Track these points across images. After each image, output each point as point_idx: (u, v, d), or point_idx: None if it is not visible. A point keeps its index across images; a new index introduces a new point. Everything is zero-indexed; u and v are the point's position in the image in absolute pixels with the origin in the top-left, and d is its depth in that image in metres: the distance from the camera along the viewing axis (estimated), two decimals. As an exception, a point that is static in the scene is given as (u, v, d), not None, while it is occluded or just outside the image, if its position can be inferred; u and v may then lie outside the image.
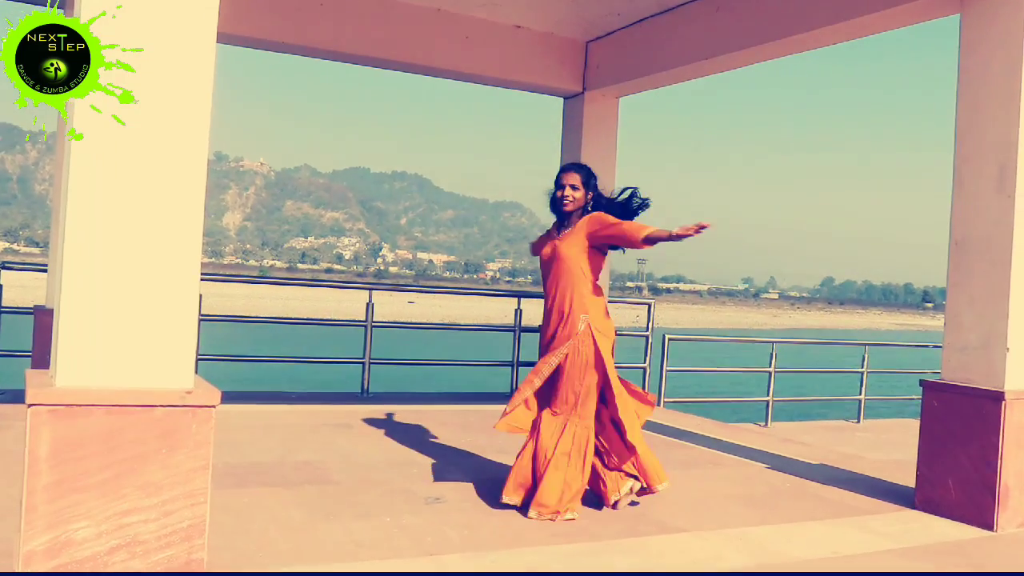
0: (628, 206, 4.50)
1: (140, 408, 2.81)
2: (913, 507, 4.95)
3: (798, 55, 6.60)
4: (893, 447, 8.26)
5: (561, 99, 8.50)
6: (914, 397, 5.53)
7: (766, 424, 9.51)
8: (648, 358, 9.17)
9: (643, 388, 9.10)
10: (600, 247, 4.43)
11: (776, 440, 7.48)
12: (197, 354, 7.32)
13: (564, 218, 4.52)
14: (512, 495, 4.35)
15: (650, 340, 9.19)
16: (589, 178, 4.51)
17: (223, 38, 6.78)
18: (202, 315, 7.41)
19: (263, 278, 8.81)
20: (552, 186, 4.56)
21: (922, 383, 5.05)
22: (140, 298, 2.85)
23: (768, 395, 9.61)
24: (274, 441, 5.71)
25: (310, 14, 7.05)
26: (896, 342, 12.43)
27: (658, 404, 8.89)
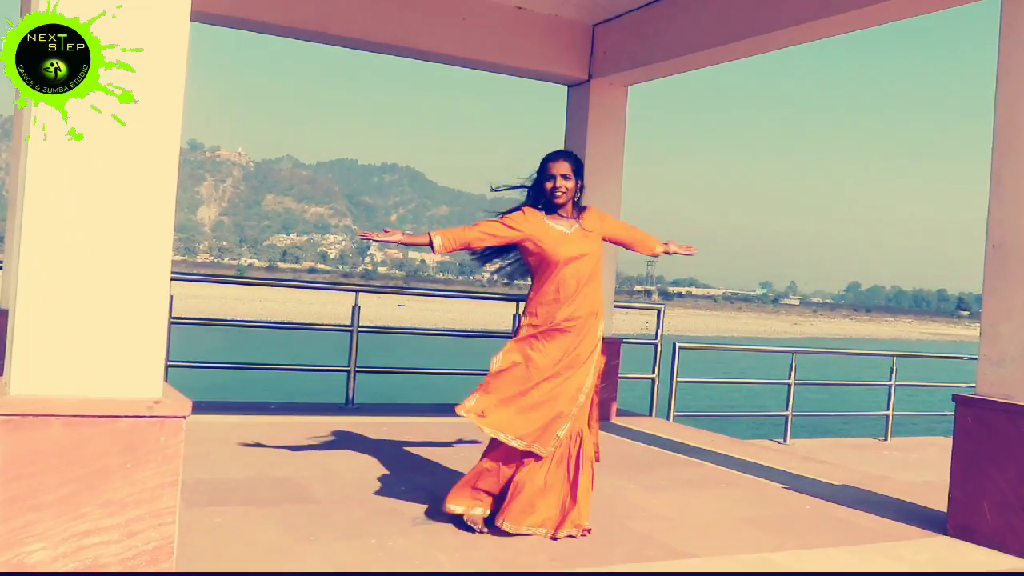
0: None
1: (103, 419, 2.79)
2: (945, 533, 4.93)
3: (822, 41, 6.60)
4: (923, 467, 8.26)
5: (565, 87, 8.49)
6: (946, 413, 5.51)
7: (784, 441, 9.51)
8: (657, 368, 9.16)
9: (652, 401, 9.12)
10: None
11: (795, 458, 7.47)
12: (167, 361, 7.33)
13: (552, 210, 4.50)
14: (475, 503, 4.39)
15: (659, 348, 9.19)
16: (579, 166, 4.53)
17: (199, 16, 6.77)
18: (173, 318, 7.40)
19: (240, 278, 8.80)
20: (533, 174, 4.55)
21: (955, 398, 5.04)
22: (104, 299, 2.84)
23: (787, 409, 9.61)
24: (250, 456, 5.69)
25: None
26: (927, 353, 12.44)
27: (667, 417, 8.91)
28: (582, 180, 4.53)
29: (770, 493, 5.77)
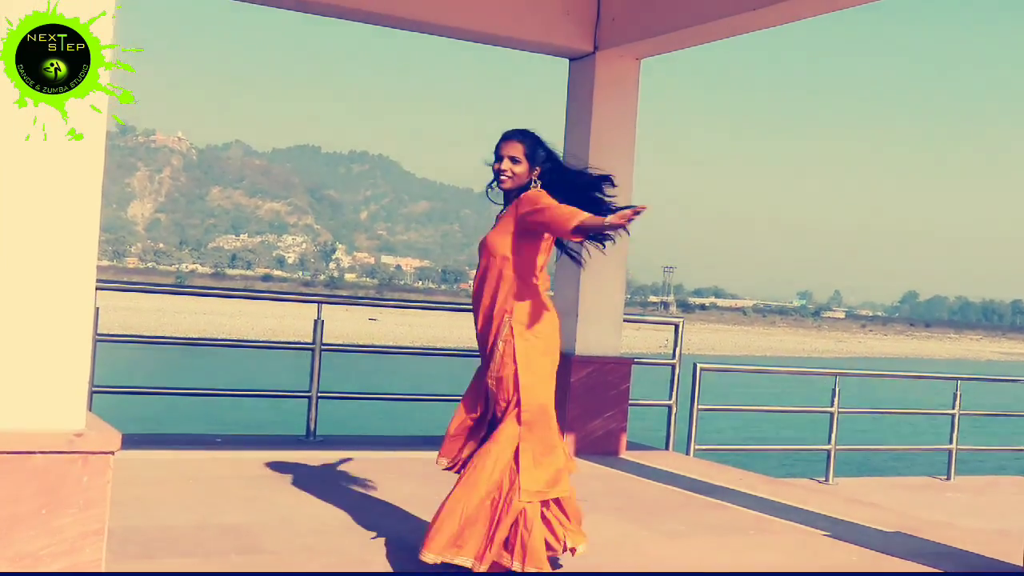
0: (587, 189, 4.56)
1: (11, 456, 2.79)
2: (1018, 589, 4.95)
3: (873, 5, 6.61)
4: (994, 512, 8.27)
5: (566, 60, 8.52)
6: (1022, 448, 5.51)
7: (827, 480, 9.53)
8: (675, 393, 9.16)
9: (669, 433, 9.12)
10: (536, 235, 4.47)
11: (840, 500, 7.47)
12: (91, 386, 7.32)
13: (505, 198, 4.60)
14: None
15: (677, 370, 9.20)
16: (535, 148, 4.52)
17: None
18: (98, 334, 7.39)
19: (179, 287, 8.81)
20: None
21: (1029, 429, 5.06)
22: (10, 311, 2.83)
23: (829, 443, 9.62)
24: (192, 498, 5.68)
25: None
26: (998, 376, 12.48)
27: (687, 452, 8.92)
28: (544, 164, 4.53)
29: (809, 542, 5.77)
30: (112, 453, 2.91)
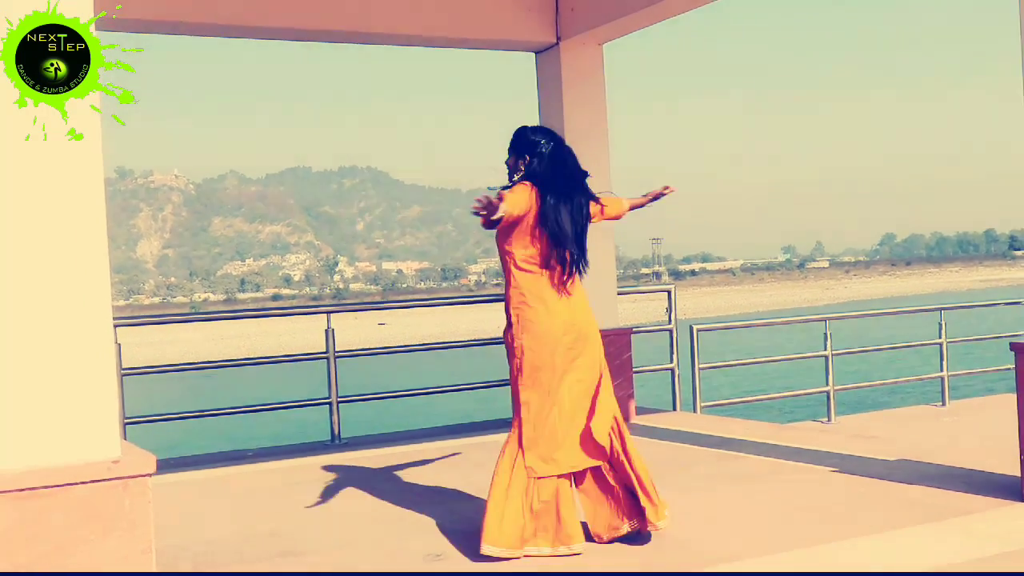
0: (573, 176, 4.64)
1: (57, 489, 2.80)
2: (1021, 499, 4.97)
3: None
4: (989, 430, 8.28)
5: (532, 54, 8.51)
6: (1008, 368, 5.51)
7: (829, 420, 9.54)
8: (675, 356, 9.18)
9: (675, 394, 9.14)
10: (516, 225, 4.52)
11: (843, 437, 7.51)
12: (123, 418, 7.34)
13: None
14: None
15: (675, 334, 9.20)
16: (519, 143, 4.65)
17: (105, 23, 6.77)
18: (123, 369, 7.40)
19: (191, 315, 8.81)
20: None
21: (1013, 347, 5.08)
22: (40, 357, 2.85)
23: (827, 385, 9.64)
24: (231, 511, 5.70)
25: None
26: (979, 302, 12.48)
27: (694, 410, 8.94)
28: (523, 158, 4.62)
29: (818, 479, 5.80)
30: (149, 475, 2.92)
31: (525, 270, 4.55)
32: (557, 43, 8.22)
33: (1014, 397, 5.08)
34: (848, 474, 5.85)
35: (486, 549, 4.30)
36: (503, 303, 4.70)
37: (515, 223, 4.49)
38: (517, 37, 8.18)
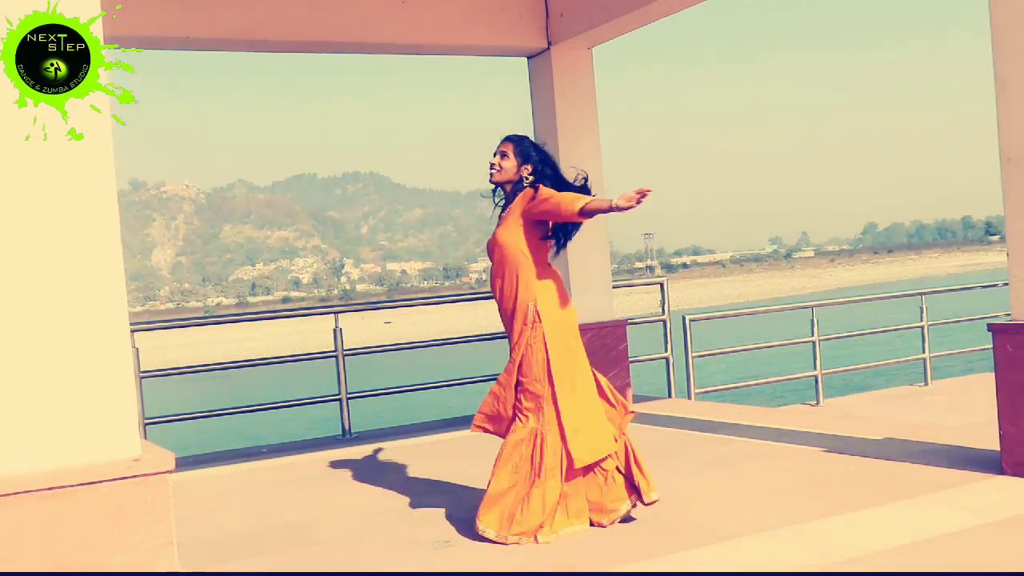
0: (572, 187, 4.67)
1: (81, 487, 2.81)
2: (1001, 473, 4.99)
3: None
4: (971, 408, 8.30)
5: (524, 59, 8.52)
6: (987, 348, 5.51)
7: (818, 402, 9.56)
8: (669, 346, 9.19)
9: (670, 382, 9.16)
10: (542, 225, 4.62)
11: (832, 418, 7.52)
12: (143, 418, 7.35)
13: (505, 199, 4.75)
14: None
15: (668, 325, 9.22)
16: (525, 148, 4.68)
17: (117, 40, 6.77)
18: (142, 372, 7.41)
19: (204, 318, 8.81)
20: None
21: (991, 328, 5.09)
22: (59, 362, 2.85)
23: (815, 369, 9.66)
24: (249, 505, 5.72)
25: (216, 0, 7.02)
26: (958, 286, 12.49)
27: (688, 396, 8.96)
28: (535, 164, 4.65)
29: (808, 459, 5.82)
30: (168, 472, 2.93)
31: (545, 266, 4.64)
32: (548, 48, 8.23)
33: (993, 376, 5.10)
34: (836, 453, 5.87)
35: (541, 538, 4.37)
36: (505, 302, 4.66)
37: (539, 222, 4.60)
38: (510, 43, 8.18)
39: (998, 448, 5.07)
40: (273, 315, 8.96)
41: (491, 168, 4.70)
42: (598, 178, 8.24)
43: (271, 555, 4.55)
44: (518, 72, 8.81)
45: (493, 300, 4.82)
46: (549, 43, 8.21)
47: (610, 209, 4.26)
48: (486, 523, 4.40)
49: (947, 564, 3.72)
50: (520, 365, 4.52)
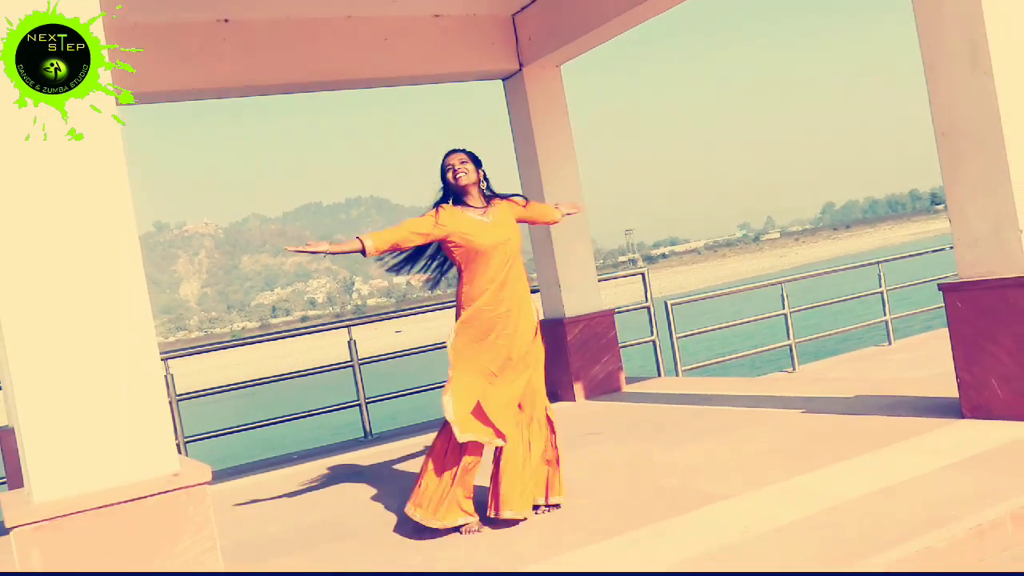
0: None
1: (129, 504, 2.82)
2: (962, 417, 5.00)
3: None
4: (931, 362, 8.33)
5: (500, 81, 8.53)
6: (941, 306, 5.52)
7: (794, 369, 9.58)
8: (655, 330, 9.21)
9: (658, 362, 9.17)
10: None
11: (807, 382, 7.54)
12: (183, 436, 7.35)
13: (461, 201, 4.61)
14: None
15: (652, 311, 9.24)
16: (475, 157, 4.69)
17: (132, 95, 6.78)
18: (178, 395, 7.42)
19: (227, 342, 8.81)
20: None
21: (941, 287, 5.11)
22: (100, 393, 2.86)
23: (789, 339, 9.67)
24: (283, 508, 5.71)
25: (214, 53, 7.02)
26: (909, 252, 12.51)
27: (675, 374, 8.96)
28: (483, 171, 4.68)
29: (789, 421, 5.83)
30: (206, 483, 2.93)
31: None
32: (520, 69, 8.23)
33: (948, 331, 5.12)
34: (813, 413, 5.88)
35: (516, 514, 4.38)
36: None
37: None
38: (485, 68, 8.18)
39: (957, 395, 5.09)
40: (291, 333, 8.94)
41: (458, 173, 4.57)
42: (575, 187, 8.26)
43: (306, 551, 4.55)
44: (498, 95, 8.81)
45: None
46: (521, 65, 8.22)
47: (566, 215, 5.09)
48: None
49: (917, 505, 3.73)
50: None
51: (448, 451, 4.42)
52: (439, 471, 4.39)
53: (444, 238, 4.52)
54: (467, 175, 4.58)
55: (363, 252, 4.43)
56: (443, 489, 4.36)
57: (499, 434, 4.37)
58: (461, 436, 4.28)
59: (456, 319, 4.55)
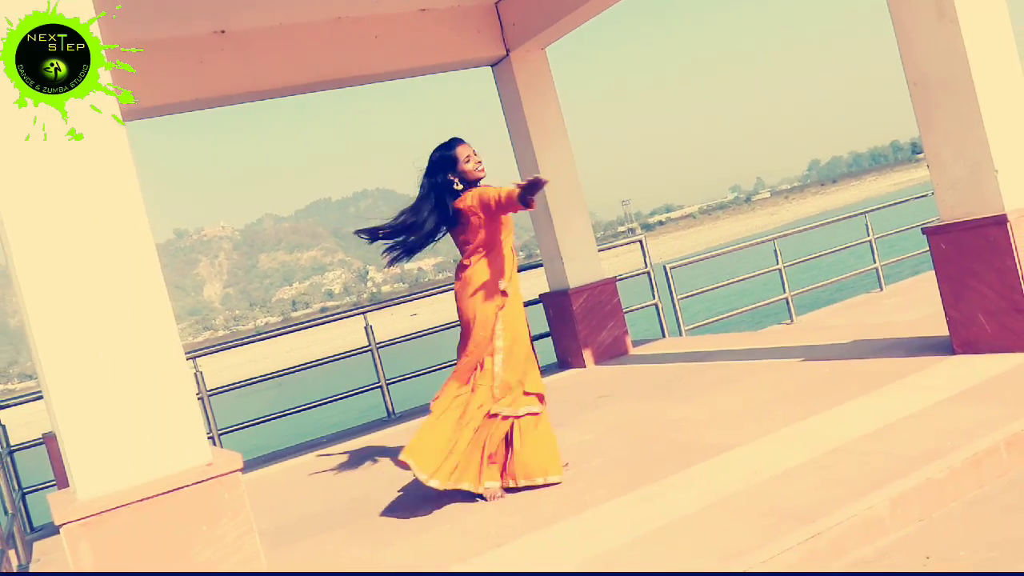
0: None
1: (167, 495, 2.84)
2: (953, 353, 5.00)
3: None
4: (922, 304, 8.30)
5: (489, 68, 8.48)
6: (926, 250, 5.51)
7: (791, 320, 9.56)
8: (656, 293, 9.20)
9: (662, 324, 9.16)
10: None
11: (805, 331, 7.53)
12: (217, 429, 7.39)
13: (457, 195, 4.53)
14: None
15: (652, 275, 9.22)
16: None
17: (137, 113, 6.78)
18: (209, 390, 7.45)
19: (251, 337, 8.84)
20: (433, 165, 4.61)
21: (924, 231, 5.09)
22: (130, 393, 2.88)
23: (785, 292, 9.65)
24: (316, 489, 5.75)
25: (213, 63, 6.99)
26: (893, 201, 12.45)
27: (679, 334, 8.96)
28: None
29: (790, 370, 5.83)
30: (238, 471, 2.95)
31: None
32: (507, 55, 8.19)
33: (935, 273, 5.10)
34: (812, 360, 5.88)
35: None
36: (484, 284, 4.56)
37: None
38: (472, 56, 8.14)
39: (947, 333, 5.08)
40: (311, 324, 8.96)
41: (481, 166, 4.48)
42: (569, 167, 8.24)
43: (340, 528, 4.57)
44: (484, 80, 8.76)
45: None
46: (507, 50, 8.17)
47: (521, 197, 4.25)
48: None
49: (915, 439, 3.74)
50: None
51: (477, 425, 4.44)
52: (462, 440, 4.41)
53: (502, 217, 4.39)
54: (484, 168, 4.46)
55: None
56: (470, 456, 4.41)
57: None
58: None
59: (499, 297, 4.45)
